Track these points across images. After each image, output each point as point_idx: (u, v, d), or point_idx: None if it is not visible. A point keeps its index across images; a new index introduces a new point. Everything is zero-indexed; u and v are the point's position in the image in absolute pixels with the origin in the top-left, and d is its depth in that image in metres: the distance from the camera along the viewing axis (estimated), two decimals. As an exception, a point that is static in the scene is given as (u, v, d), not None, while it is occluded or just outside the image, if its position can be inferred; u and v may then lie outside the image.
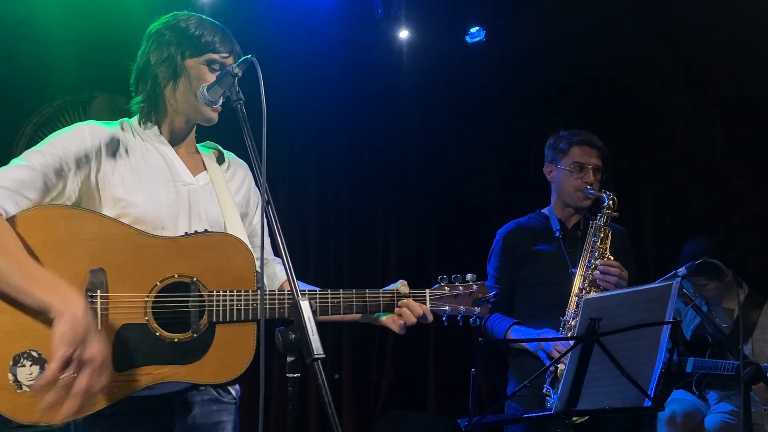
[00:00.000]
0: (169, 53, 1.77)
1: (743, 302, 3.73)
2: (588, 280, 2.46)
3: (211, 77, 1.75)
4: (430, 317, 1.82)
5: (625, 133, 4.79)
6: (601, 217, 2.59)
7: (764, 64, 4.28)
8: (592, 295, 1.98)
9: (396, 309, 1.78)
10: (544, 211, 2.84)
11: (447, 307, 1.82)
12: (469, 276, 1.85)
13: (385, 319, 1.82)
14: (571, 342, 1.86)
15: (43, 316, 1.48)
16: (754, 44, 4.25)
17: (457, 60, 4.63)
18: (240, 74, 1.62)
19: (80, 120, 4.07)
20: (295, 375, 1.39)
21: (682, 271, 2.19)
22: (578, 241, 2.64)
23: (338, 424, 1.31)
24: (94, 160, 1.69)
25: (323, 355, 1.33)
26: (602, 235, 2.54)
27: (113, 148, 1.72)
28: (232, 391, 1.82)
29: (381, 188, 4.72)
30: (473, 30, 4.54)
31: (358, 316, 1.81)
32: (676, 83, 4.61)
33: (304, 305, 1.36)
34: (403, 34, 4.40)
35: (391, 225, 4.73)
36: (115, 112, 4.08)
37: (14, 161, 1.64)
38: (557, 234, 2.68)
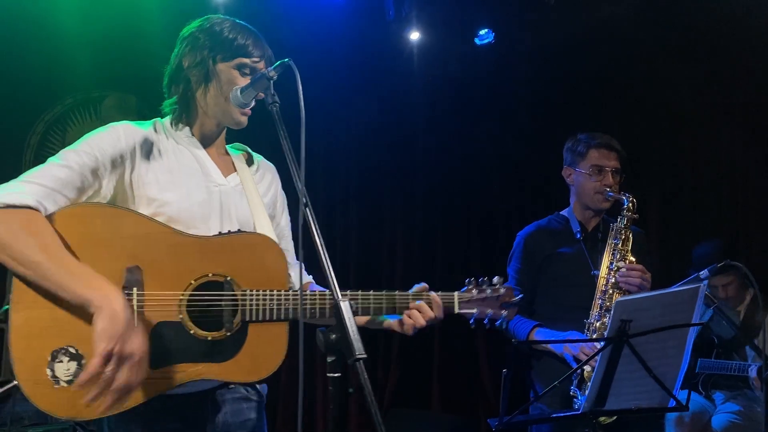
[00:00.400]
0: (202, 57, 1.78)
1: (749, 304, 3.78)
2: (611, 282, 2.48)
3: (242, 81, 1.76)
4: (441, 316, 1.82)
5: (632, 136, 4.84)
6: (621, 219, 2.60)
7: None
8: (623, 297, 2.01)
9: (406, 311, 1.79)
10: (564, 213, 2.85)
11: (475, 310, 1.83)
12: (495, 279, 1.87)
13: (393, 321, 1.83)
14: (601, 343, 1.88)
15: (81, 312, 1.50)
16: (762, 48, 4.31)
17: (467, 61, 4.67)
18: (275, 77, 1.62)
19: (90, 118, 4.11)
20: (336, 374, 1.40)
21: (704, 273, 2.23)
22: (599, 243, 2.66)
23: (381, 422, 1.31)
24: (129, 160, 1.71)
25: (365, 355, 1.33)
26: (623, 237, 2.56)
27: (147, 148, 1.74)
28: (260, 390, 1.83)
29: (389, 188, 4.74)
30: (482, 32, 4.58)
31: (364, 320, 1.82)
32: (685, 86, 4.65)
33: (345, 306, 1.37)
34: (414, 35, 4.43)
35: (398, 225, 4.76)
36: (125, 111, 4.09)
37: (51, 160, 1.65)
38: (578, 236, 2.69)
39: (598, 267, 2.54)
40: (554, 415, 2.07)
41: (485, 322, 1.85)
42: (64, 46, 3.79)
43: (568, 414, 2.01)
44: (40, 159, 3.76)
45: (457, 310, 1.83)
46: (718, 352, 3.71)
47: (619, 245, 2.54)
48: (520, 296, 1.88)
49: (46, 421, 3.37)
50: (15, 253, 1.50)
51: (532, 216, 5.00)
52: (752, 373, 3.45)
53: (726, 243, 3.79)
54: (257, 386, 1.82)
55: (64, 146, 4.40)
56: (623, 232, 2.57)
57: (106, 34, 3.86)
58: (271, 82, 1.62)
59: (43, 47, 3.79)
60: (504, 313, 1.84)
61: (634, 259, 2.52)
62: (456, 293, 1.84)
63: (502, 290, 1.86)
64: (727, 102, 4.57)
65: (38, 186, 1.57)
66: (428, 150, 4.80)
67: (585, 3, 4.50)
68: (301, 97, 1.49)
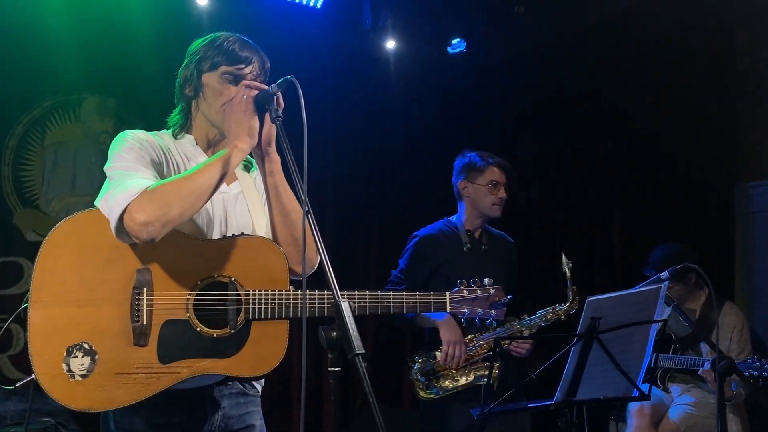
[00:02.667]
0: (190, 71, 1.88)
1: (704, 303, 3.99)
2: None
3: (228, 90, 1.81)
4: None
5: (598, 142, 5.08)
6: (550, 313, 2.89)
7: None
8: (594, 296, 2.18)
9: None
10: (454, 221, 3.21)
11: (465, 309, 1.94)
12: (486, 281, 1.98)
13: None
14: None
15: (93, 309, 1.61)
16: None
17: (440, 69, 4.81)
18: (278, 92, 1.71)
19: (70, 121, 4.12)
20: (336, 369, 1.49)
21: (665, 275, 2.40)
22: (482, 254, 3.09)
23: (380, 414, 1.42)
24: (160, 165, 1.80)
25: (363, 351, 1.43)
26: (537, 324, 2.87)
27: (162, 157, 1.82)
28: (257, 385, 1.92)
29: (365, 194, 4.82)
30: (455, 41, 4.74)
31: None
32: (647, 94, 4.89)
33: (345, 306, 1.47)
34: (390, 44, 4.54)
35: (374, 230, 4.83)
36: (105, 113, 4.09)
37: (129, 182, 1.66)
38: (467, 245, 3.07)
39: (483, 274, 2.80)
40: (530, 405, 2.24)
41: (476, 320, 1.96)
42: (43, 48, 3.75)
43: (541, 404, 2.17)
44: (19, 161, 3.81)
45: (448, 310, 1.94)
46: (675, 347, 3.90)
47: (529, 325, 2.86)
48: (509, 297, 2.00)
49: (27, 420, 3.39)
50: (185, 197, 1.63)
51: (503, 219, 5.18)
52: (706, 366, 3.64)
53: (684, 247, 3.98)
54: (254, 382, 1.90)
55: (43, 148, 4.32)
56: (541, 322, 2.86)
57: (86, 36, 3.82)
58: (275, 98, 1.70)
59: (21, 49, 3.75)
60: (494, 312, 1.94)
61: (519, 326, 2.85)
62: (447, 294, 1.95)
63: (492, 291, 1.96)
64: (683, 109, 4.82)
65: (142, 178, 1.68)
66: (404, 156, 4.90)
67: (553, 14, 4.70)
68: (304, 112, 1.56)
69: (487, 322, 1.95)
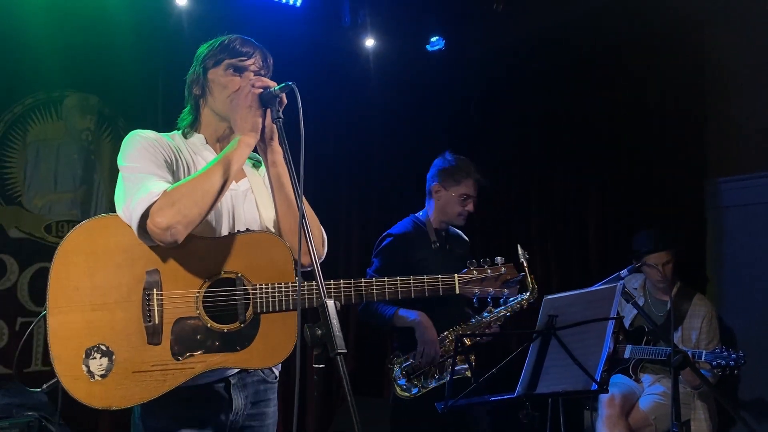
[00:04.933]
0: (196, 71, 1.96)
1: (675, 294, 4.11)
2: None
3: (233, 82, 1.88)
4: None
5: (574, 137, 5.16)
6: (511, 303, 2.95)
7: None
8: (551, 295, 2.27)
9: None
10: (422, 218, 3.31)
11: (476, 290, 1.93)
12: (498, 259, 1.95)
13: None
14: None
15: (107, 312, 1.69)
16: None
17: (419, 67, 4.86)
18: (280, 95, 1.79)
19: (51, 118, 4.15)
20: (320, 366, 1.55)
21: (624, 272, 2.50)
22: (447, 253, 3.20)
23: (356, 412, 1.49)
24: (172, 168, 1.86)
25: (345, 351, 1.48)
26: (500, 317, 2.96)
27: (173, 157, 1.88)
28: (275, 371, 1.98)
29: (345, 189, 4.86)
30: (433, 39, 4.79)
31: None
32: (618, 91, 4.97)
33: (330, 304, 1.52)
34: (369, 41, 4.58)
35: (354, 225, 4.88)
36: (86, 110, 4.11)
37: (148, 186, 1.73)
38: (435, 243, 3.19)
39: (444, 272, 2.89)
40: (492, 399, 2.33)
41: (488, 300, 1.96)
42: (23, 46, 3.74)
43: (503, 397, 2.27)
44: (1, 159, 3.82)
45: (458, 291, 1.94)
46: (648, 339, 4.01)
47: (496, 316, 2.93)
48: (521, 275, 1.98)
49: (11, 415, 3.45)
50: (199, 198, 1.69)
51: (481, 217, 5.26)
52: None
53: (660, 233, 4.07)
54: (273, 368, 1.96)
55: (25, 146, 4.34)
56: (506, 312, 2.95)
57: (67, 34, 3.83)
58: (277, 99, 1.79)
59: (1, 47, 3.78)
60: (506, 291, 1.91)
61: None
62: (456, 275, 1.96)
63: (503, 269, 1.94)
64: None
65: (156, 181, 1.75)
66: (384, 152, 4.96)
67: (531, 10, 4.76)
68: (302, 117, 1.63)
69: (501, 300, 1.97)
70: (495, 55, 5.04)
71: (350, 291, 1.85)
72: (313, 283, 1.76)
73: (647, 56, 4.74)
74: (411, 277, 1.89)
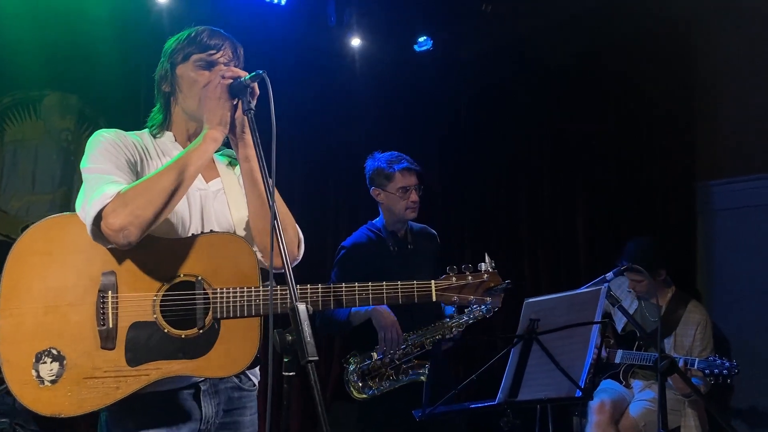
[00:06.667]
0: (164, 68, 1.89)
1: (670, 300, 4.03)
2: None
3: (201, 75, 1.82)
4: None
5: (563, 139, 5.11)
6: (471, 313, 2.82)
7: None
8: (532, 298, 2.20)
9: None
10: (377, 224, 3.26)
11: (455, 298, 1.80)
12: (481, 265, 1.83)
13: None
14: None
15: (60, 314, 1.61)
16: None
17: (407, 68, 4.82)
18: (252, 84, 1.70)
19: (30, 118, 4.07)
20: (291, 374, 1.48)
21: (609, 275, 2.43)
22: (411, 253, 3.15)
23: (326, 421, 1.40)
24: (137, 166, 1.79)
25: (317, 358, 1.40)
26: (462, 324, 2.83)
27: (138, 157, 1.81)
28: (252, 378, 1.89)
29: (332, 190, 4.82)
30: (421, 39, 4.74)
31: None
32: (608, 93, 4.93)
33: (302, 309, 1.44)
34: (355, 41, 4.52)
35: (342, 226, 4.84)
36: (66, 110, 4.04)
37: (103, 186, 1.66)
38: (394, 248, 3.15)
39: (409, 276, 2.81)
40: (472, 406, 2.25)
41: (469, 309, 1.88)
42: (1, 44, 3.71)
43: (484, 405, 2.19)
44: (-21, 159, 3.74)
45: (434, 299, 1.82)
46: (639, 344, 3.95)
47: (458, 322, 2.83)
48: (506, 282, 1.84)
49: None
50: (155, 200, 1.62)
51: (469, 216, 5.18)
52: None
53: (655, 243, 4.02)
54: (250, 375, 1.88)
55: (2, 146, 4.26)
56: (470, 319, 2.82)
57: (47, 31, 3.77)
58: (248, 89, 1.69)
59: (-22, 45, 3.72)
60: (489, 300, 1.78)
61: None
62: (433, 281, 1.83)
63: (486, 276, 1.81)
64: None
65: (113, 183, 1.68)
66: (370, 152, 4.91)
67: (520, 11, 4.73)
68: (273, 109, 1.55)
69: (484, 309, 1.87)
70: (484, 56, 5.00)
71: (317, 296, 1.76)
72: (278, 287, 1.69)
73: (637, 58, 4.70)
74: (384, 283, 1.80)
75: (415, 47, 4.75)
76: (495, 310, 2.40)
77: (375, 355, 2.94)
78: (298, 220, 5.18)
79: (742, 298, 4.44)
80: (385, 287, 1.80)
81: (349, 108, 4.70)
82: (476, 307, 2.73)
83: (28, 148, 3.91)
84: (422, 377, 2.81)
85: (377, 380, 2.93)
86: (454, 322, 2.78)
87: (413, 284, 1.81)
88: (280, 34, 4.27)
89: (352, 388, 2.98)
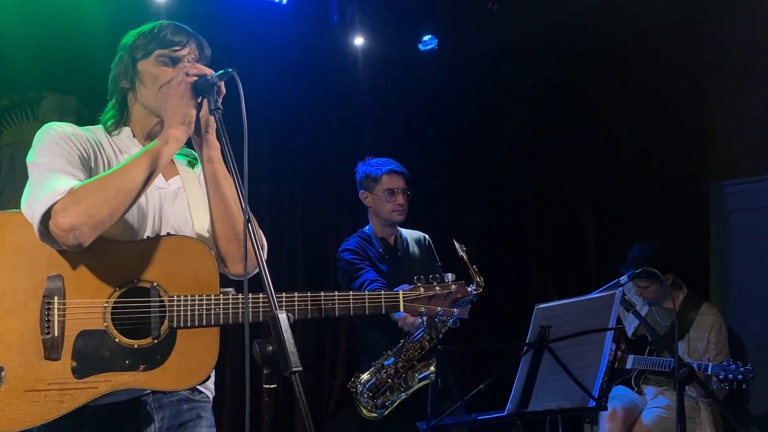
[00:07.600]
0: (124, 63, 1.79)
1: (682, 303, 3.93)
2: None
3: (164, 71, 1.74)
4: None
5: (571, 140, 5.01)
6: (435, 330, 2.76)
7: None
8: (543, 304, 2.10)
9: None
10: (367, 231, 3.27)
11: (423, 309, 1.81)
12: (449, 276, 1.85)
13: None
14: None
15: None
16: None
17: (411, 67, 4.75)
18: (219, 83, 1.61)
19: (28, 120, 4.01)
20: (272, 386, 1.39)
21: (623, 279, 2.34)
22: (399, 260, 3.14)
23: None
24: (89, 160, 1.69)
25: (301, 368, 1.32)
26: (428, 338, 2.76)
27: (91, 152, 1.71)
28: (204, 390, 1.79)
29: (333, 191, 4.75)
30: (426, 38, 4.67)
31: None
32: (620, 92, 4.83)
33: (282, 317, 1.35)
34: (358, 40, 4.46)
35: (344, 228, 4.77)
36: (64, 112, 3.98)
37: (54, 183, 1.56)
38: (384, 255, 3.15)
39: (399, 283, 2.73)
40: (479, 417, 2.16)
41: (437, 320, 1.86)
42: None
43: (492, 416, 2.09)
44: (-23, 162, 3.69)
45: (401, 310, 1.81)
46: (651, 349, 3.85)
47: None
48: (474, 293, 1.90)
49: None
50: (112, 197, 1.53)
51: (475, 216, 5.09)
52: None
53: (662, 246, 3.92)
54: (201, 389, 1.77)
55: (0, 149, 4.20)
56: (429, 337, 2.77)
57: (44, 32, 3.73)
58: (215, 87, 1.60)
59: (-25, 47, 3.67)
60: (456, 311, 1.81)
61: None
62: (401, 292, 1.83)
63: (454, 287, 1.83)
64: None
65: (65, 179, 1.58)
66: (373, 154, 4.83)
67: (527, 9, 4.64)
68: (244, 110, 1.46)
69: (450, 321, 1.83)
70: (490, 55, 4.91)
71: (281, 304, 1.68)
72: (240, 296, 1.61)
73: (648, 56, 4.61)
74: (351, 293, 1.74)
75: (420, 46, 4.70)
76: (478, 291, 2.33)
77: (383, 363, 2.86)
78: (299, 219, 5.11)
79: (756, 301, 4.33)
80: (351, 297, 1.75)
81: (352, 108, 4.64)
82: (444, 319, 2.62)
83: (26, 151, 3.84)
84: (431, 376, 2.74)
85: (388, 393, 2.85)
86: (425, 336, 2.70)
87: (381, 295, 1.80)
88: (282, 34, 4.21)
89: (363, 410, 2.90)
